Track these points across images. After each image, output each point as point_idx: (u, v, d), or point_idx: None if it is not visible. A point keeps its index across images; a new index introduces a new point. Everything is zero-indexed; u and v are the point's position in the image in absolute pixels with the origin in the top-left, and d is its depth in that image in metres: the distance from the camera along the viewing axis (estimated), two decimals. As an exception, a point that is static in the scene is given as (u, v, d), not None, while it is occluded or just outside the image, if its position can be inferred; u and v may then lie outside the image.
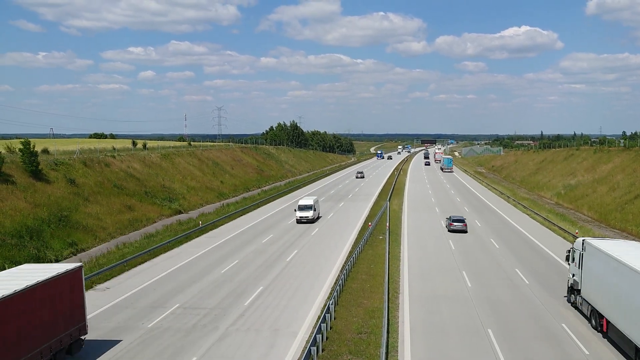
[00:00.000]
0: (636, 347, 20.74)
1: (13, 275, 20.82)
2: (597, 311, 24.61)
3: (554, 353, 22.37)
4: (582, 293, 26.72)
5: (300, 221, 53.79)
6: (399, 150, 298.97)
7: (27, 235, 38.00)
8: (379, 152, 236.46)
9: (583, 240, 27.49)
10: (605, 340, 23.73)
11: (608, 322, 23.45)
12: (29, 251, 36.46)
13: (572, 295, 28.40)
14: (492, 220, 56.61)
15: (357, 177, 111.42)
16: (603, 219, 57.31)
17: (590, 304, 25.58)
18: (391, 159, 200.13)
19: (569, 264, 29.35)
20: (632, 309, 21.11)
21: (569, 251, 29.38)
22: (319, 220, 56.52)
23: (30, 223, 39.70)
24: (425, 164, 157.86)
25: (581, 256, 27.06)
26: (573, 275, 28.16)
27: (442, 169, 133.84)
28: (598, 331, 24.75)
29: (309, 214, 53.87)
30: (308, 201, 55.38)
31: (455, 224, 50.00)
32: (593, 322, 25.35)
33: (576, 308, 27.97)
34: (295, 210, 55.32)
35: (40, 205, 43.17)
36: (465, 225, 50.18)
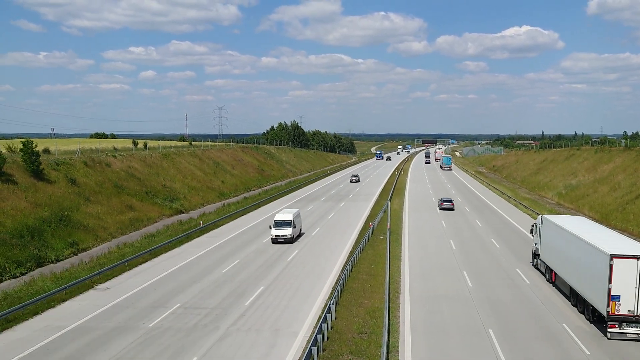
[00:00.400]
0: (570, 287, 28.62)
1: None
2: (550, 267, 32.35)
3: (555, 353, 22.36)
4: (541, 256, 34.41)
5: (276, 241, 43.55)
6: (399, 150, 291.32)
7: (28, 235, 38.04)
8: (378, 152, 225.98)
9: (541, 216, 35.21)
10: (608, 341, 23.79)
11: (555, 274, 31.35)
12: (30, 251, 36.50)
13: (535, 259, 36.35)
14: (493, 220, 56.59)
15: (351, 182, 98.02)
16: (604, 219, 57.22)
17: (545, 263, 33.31)
18: (390, 159, 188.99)
19: (532, 236, 36.95)
20: (568, 260, 29.09)
21: (533, 226, 36.92)
22: (321, 219, 56.45)
23: (31, 223, 39.73)
24: (426, 162, 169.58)
25: (540, 229, 34.63)
26: (535, 244, 35.87)
27: (441, 167, 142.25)
28: (549, 282, 32.47)
29: (288, 231, 43.53)
30: (286, 215, 44.92)
31: (444, 203, 63.59)
32: (547, 276, 33.11)
33: (537, 269, 35.62)
34: (270, 226, 45.08)
35: (41, 205, 43.21)
36: (453, 204, 63.73)
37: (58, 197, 45.99)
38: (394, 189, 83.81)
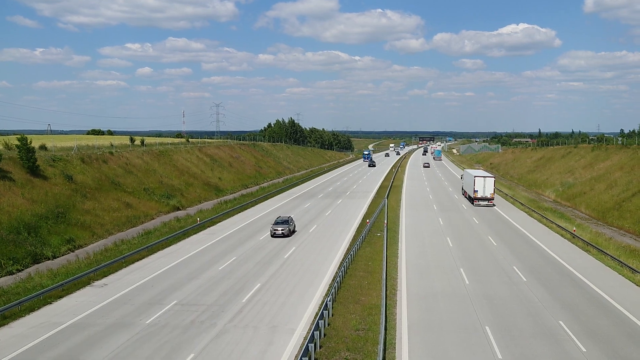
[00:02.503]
0: (469, 195, 69.13)
1: None
2: (464, 190, 74.20)
3: (552, 350, 22.40)
4: (463, 188, 76.39)
5: None
6: (390, 149, 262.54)
7: (24, 232, 37.94)
8: (366, 152, 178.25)
9: (464, 169, 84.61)
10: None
11: (465, 191, 73.04)
12: (27, 248, 36.41)
13: (462, 190, 76.34)
14: (490, 218, 56.64)
15: (273, 236, 45.15)
16: (600, 216, 57.36)
17: (464, 189, 74.98)
18: (374, 165, 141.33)
19: (461, 179, 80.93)
20: (467, 183, 72.10)
21: (461, 175, 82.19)
22: (318, 217, 56.36)
23: (28, 219, 39.63)
24: (423, 154, 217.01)
25: (463, 175, 78.21)
26: (462, 183, 77.00)
27: (433, 158, 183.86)
28: (464, 197, 73.19)
29: None
30: None
31: (425, 164, 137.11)
32: (464, 195, 74.21)
33: (463, 195, 74.83)
34: None
35: (38, 201, 43.09)
36: (429, 164, 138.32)
37: (55, 194, 45.88)
38: (391, 187, 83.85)
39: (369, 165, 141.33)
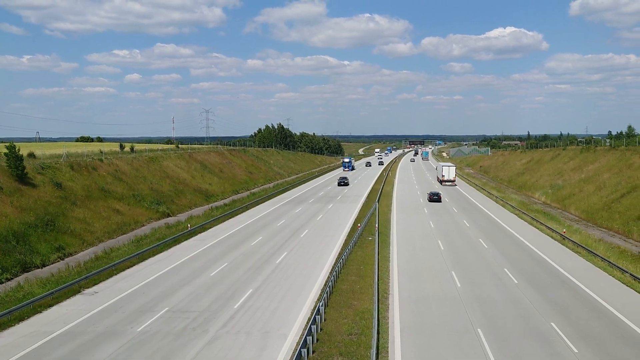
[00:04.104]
0: (439, 179, 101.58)
1: None
2: (437, 176, 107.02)
3: (544, 352, 22.50)
4: (437, 175, 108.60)
5: None
6: (375, 155, 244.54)
7: (13, 240, 37.58)
8: (346, 159, 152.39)
9: (438, 163, 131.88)
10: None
11: (438, 177, 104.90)
12: (16, 256, 36.05)
13: (436, 177, 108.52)
14: (481, 221, 56.90)
15: None
16: (590, 218, 57.78)
17: (437, 176, 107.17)
18: (346, 184, 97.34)
19: (436, 170, 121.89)
20: (439, 171, 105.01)
21: (436, 167, 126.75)
22: (309, 221, 56.33)
23: (17, 228, 39.27)
24: (414, 154, 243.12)
25: (437, 168, 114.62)
26: (436, 173, 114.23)
27: (422, 158, 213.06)
28: (438, 181, 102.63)
29: None
30: None
31: (411, 158, 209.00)
32: (437, 180, 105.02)
33: (437, 180, 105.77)
34: None
35: (27, 209, 42.73)
36: (414, 160, 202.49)
37: (44, 202, 45.52)
38: (381, 190, 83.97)
39: (339, 184, 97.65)
